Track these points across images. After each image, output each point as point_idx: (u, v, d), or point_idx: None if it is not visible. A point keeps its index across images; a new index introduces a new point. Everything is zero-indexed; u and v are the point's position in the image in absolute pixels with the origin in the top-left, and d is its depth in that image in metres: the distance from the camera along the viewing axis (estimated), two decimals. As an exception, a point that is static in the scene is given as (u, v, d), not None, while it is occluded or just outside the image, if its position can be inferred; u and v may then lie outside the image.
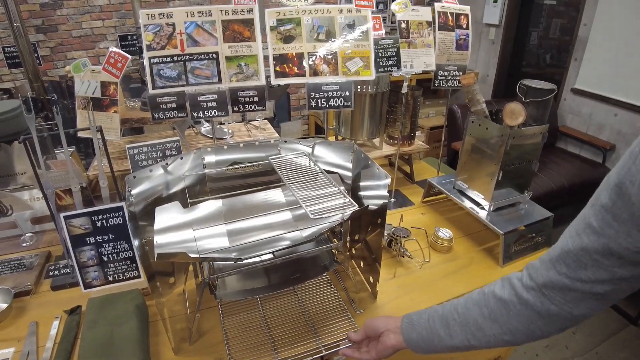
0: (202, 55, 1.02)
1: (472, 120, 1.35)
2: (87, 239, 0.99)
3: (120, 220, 0.99)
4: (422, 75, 1.43)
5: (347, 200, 0.80)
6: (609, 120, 3.29)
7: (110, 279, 1.03)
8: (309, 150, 1.06)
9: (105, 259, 1.01)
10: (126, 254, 1.02)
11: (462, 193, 1.44)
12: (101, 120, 1.18)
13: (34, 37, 3.46)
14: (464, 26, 1.48)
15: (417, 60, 1.34)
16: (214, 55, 1.03)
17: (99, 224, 0.99)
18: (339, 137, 1.56)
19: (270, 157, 0.98)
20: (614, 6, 3.11)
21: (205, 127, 1.44)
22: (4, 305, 1.05)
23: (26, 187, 1.43)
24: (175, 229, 0.86)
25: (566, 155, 3.41)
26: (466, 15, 1.49)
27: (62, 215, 0.97)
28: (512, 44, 4.15)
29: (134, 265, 1.03)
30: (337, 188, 0.87)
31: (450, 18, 1.45)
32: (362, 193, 1.00)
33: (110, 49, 1.15)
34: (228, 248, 0.81)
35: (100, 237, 1.00)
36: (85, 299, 1.02)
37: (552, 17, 3.85)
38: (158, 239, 0.78)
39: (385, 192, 0.88)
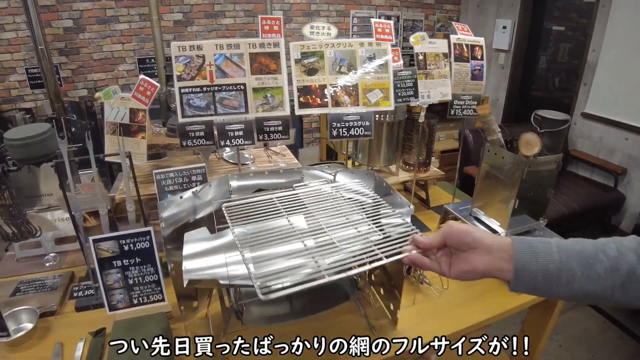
0: (231, 87, 1.07)
1: (489, 149, 1.37)
2: (114, 262, 1.02)
3: (147, 244, 1.02)
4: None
5: (378, 234, 0.82)
6: (620, 144, 3.30)
7: (135, 302, 1.05)
8: (331, 177, 1.08)
9: (130, 282, 1.03)
10: (152, 278, 1.04)
11: (478, 220, 1.46)
12: (129, 146, 1.22)
13: (57, 59, 3.60)
14: (479, 57, 1.52)
15: (434, 90, 1.38)
16: (242, 87, 1.08)
17: (126, 248, 1.01)
18: (356, 163, 1.59)
19: (294, 185, 1.01)
20: (623, 32, 3.16)
21: (227, 153, 1.49)
22: (30, 325, 1.07)
23: (51, 208, 1.47)
24: (203, 255, 0.88)
25: (578, 179, 3.41)
26: (481, 47, 1.53)
27: (91, 238, 1.00)
28: (521, 69, 4.21)
29: (159, 288, 1.05)
30: (361, 217, 0.89)
31: (465, 49, 1.49)
32: (383, 221, 1.02)
33: (140, 77, 1.20)
34: (255, 274, 0.83)
35: (127, 261, 1.02)
36: (109, 320, 1.03)
37: (561, 42, 3.91)
38: (187, 265, 0.81)
39: (407, 221, 0.90)
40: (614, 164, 3.32)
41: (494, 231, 1.39)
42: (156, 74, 3.71)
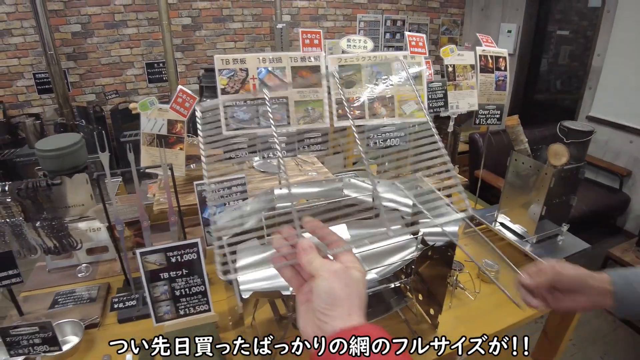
0: (274, 100, 1.09)
1: (516, 158, 1.40)
2: (161, 274, 1.02)
3: (194, 255, 1.03)
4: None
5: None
6: (625, 147, 3.36)
7: (182, 312, 1.06)
8: (372, 187, 1.11)
9: (177, 293, 1.04)
10: (198, 289, 1.05)
11: (504, 225, 1.49)
12: (167, 157, 1.24)
13: (65, 64, 3.59)
14: (502, 68, 1.56)
15: (462, 101, 1.42)
16: (284, 100, 1.10)
17: (173, 260, 1.03)
18: (383, 171, 1.62)
19: (337, 196, 1.03)
20: (628, 37, 3.21)
21: (256, 162, 1.51)
22: (75, 338, 1.07)
23: (82, 219, 1.47)
24: (255, 266, 0.90)
25: (583, 181, 3.46)
26: (504, 58, 1.57)
27: (138, 251, 1.01)
28: (526, 72, 4.26)
29: (205, 299, 1.06)
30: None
31: (490, 61, 1.53)
32: (426, 229, 1.05)
33: (179, 88, 1.21)
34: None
35: (174, 273, 1.03)
36: (153, 331, 1.02)
37: (565, 46, 3.97)
38: (246, 277, 0.83)
39: (455, 229, 0.93)
40: (619, 166, 3.38)
41: (521, 236, 1.43)
42: (165, 78, 3.72)
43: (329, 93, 1.13)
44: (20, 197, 1.19)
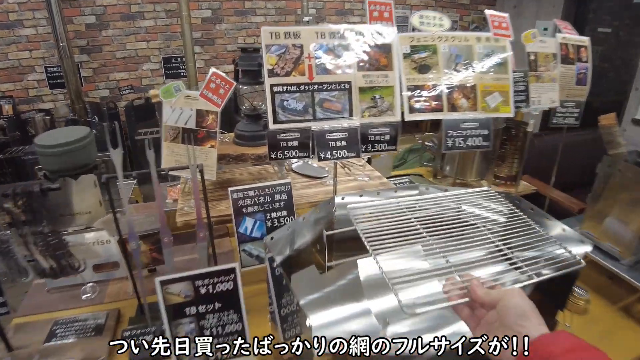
0: (333, 85, 0.87)
1: (609, 165, 1.17)
2: (187, 309, 0.81)
3: (230, 285, 0.81)
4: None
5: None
6: (676, 155, 3.08)
7: (212, 358, 0.83)
8: (451, 197, 0.88)
9: (207, 333, 0.82)
10: (234, 327, 0.83)
11: (588, 244, 1.25)
12: (195, 157, 1.02)
13: (78, 57, 3.42)
14: (584, 59, 1.33)
15: (545, 95, 1.18)
16: (346, 86, 0.87)
17: (202, 291, 0.80)
18: (439, 176, 1.39)
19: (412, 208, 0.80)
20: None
21: (296, 164, 1.28)
22: None
23: (89, 229, 1.24)
24: (324, 304, 0.68)
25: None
26: (586, 48, 1.33)
27: (157, 280, 0.79)
28: (563, 74, 4.00)
29: (243, 340, 0.84)
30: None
31: (571, 50, 1.29)
32: (522, 254, 0.81)
33: (212, 71, 0.99)
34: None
35: (204, 307, 0.81)
36: None
37: (606, 45, 3.71)
38: (314, 320, 0.61)
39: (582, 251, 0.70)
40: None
41: (612, 258, 1.19)
42: (183, 74, 3.52)
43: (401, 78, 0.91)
44: (7, 206, 0.96)
